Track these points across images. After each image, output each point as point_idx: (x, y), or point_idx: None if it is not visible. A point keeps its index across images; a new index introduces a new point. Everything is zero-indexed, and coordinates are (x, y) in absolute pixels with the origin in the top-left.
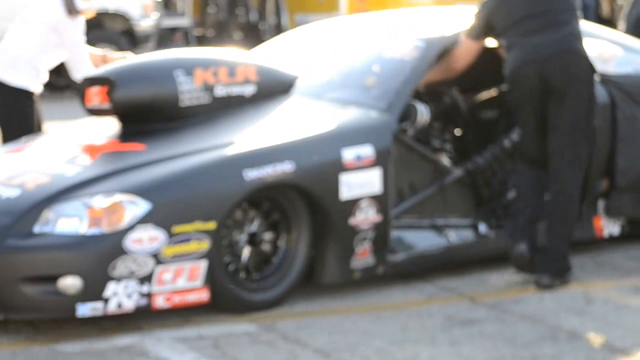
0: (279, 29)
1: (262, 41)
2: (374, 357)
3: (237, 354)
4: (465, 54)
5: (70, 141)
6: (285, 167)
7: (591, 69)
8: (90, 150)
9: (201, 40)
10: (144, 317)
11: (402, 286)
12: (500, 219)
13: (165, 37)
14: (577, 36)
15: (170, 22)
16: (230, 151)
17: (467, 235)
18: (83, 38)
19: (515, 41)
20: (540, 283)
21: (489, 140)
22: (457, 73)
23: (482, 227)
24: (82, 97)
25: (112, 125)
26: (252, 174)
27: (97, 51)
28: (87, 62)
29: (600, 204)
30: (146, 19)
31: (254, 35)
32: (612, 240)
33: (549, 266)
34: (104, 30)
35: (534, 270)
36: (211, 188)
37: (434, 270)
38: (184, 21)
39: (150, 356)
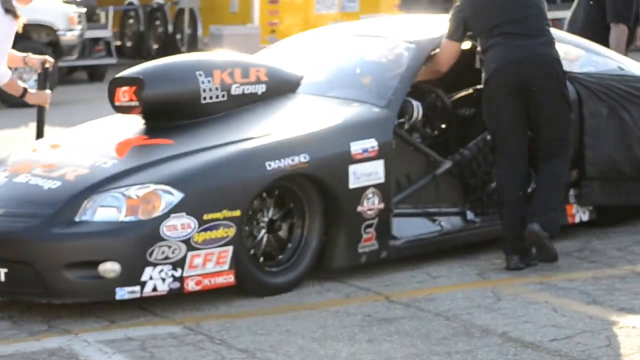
0: (194, 40)
1: (179, 51)
2: (296, 355)
3: (164, 356)
4: (448, 56)
5: (101, 136)
6: (301, 159)
7: (563, 72)
8: (122, 144)
9: (120, 51)
10: (72, 320)
11: (319, 287)
12: (485, 207)
13: (88, 48)
14: (551, 42)
15: (93, 33)
16: (252, 144)
17: (457, 222)
18: (9, 41)
19: (494, 43)
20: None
21: (468, 135)
22: (442, 74)
23: (470, 215)
24: (111, 95)
25: (137, 122)
26: (274, 165)
27: (19, 54)
28: (3, 62)
29: (571, 193)
30: (71, 31)
31: (170, 46)
32: None
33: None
34: (30, 41)
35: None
36: (237, 178)
37: (347, 272)
38: (105, 33)
39: (80, 359)
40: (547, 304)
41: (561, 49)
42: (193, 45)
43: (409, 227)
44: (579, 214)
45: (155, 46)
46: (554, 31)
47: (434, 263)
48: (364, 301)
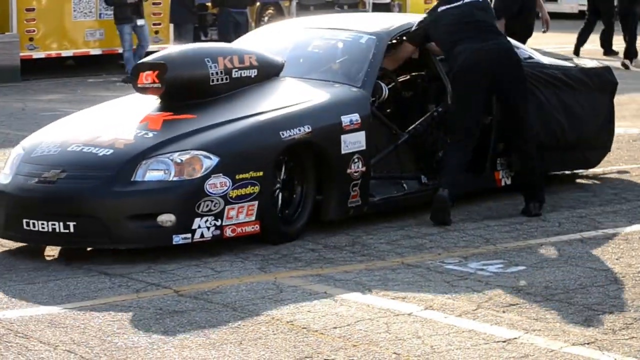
0: None
1: None
2: (97, 347)
3: None
4: (404, 53)
5: (128, 113)
6: (306, 129)
7: (520, 59)
8: (154, 119)
9: None
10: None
11: (110, 284)
12: (435, 171)
13: None
14: (509, 41)
15: None
16: (267, 117)
17: (415, 184)
18: None
19: (461, 49)
20: (531, 211)
21: (408, 113)
22: (396, 66)
23: (424, 178)
24: (135, 78)
25: (153, 101)
26: (286, 134)
27: None
28: None
29: (498, 162)
30: None
31: None
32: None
33: (538, 196)
34: None
35: (446, 219)
36: (258, 145)
37: (135, 269)
38: None
39: None
40: (326, 294)
41: None
42: None
43: (380, 188)
44: (504, 179)
45: None
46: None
47: (218, 259)
48: (155, 296)
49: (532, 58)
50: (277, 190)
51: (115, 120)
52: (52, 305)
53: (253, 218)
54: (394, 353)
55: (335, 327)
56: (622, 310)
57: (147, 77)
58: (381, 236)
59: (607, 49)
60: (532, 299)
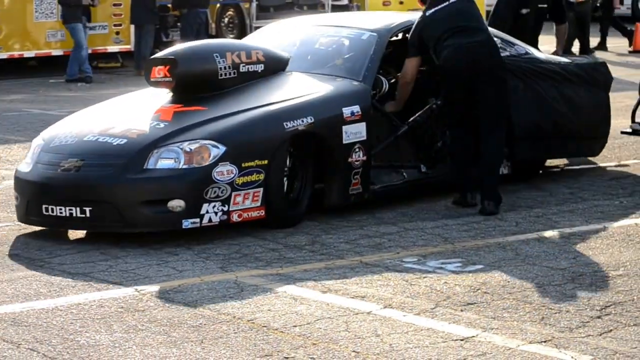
0: None
1: None
2: (59, 345)
3: None
4: (408, 70)
5: (140, 106)
6: (309, 120)
7: (502, 60)
8: (166, 111)
9: None
10: None
11: (73, 283)
12: (433, 161)
13: None
14: (492, 38)
15: None
16: (272, 109)
17: (414, 173)
18: None
19: (447, 44)
20: (487, 210)
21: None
22: (410, 82)
23: (423, 167)
24: (148, 72)
25: (164, 94)
26: (289, 125)
27: None
28: None
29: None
30: None
31: None
32: (251, 232)
33: (494, 195)
34: None
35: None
36: (263, 135)
37: (95, 266)
38: None
39: None
40: (286, 293)
41: None
42: None
43: (381, 176)
44: (501, 169)
45: None
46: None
47: (179, 258)
48: (117, 294)
49: (529, 54)
50: (284, 178)
51: (129, 112)
52: (14, 304)
53: (258, 204)
54: (354, 351)
55: (295, 326)
56: (579, 309)
57: (159, 72)
58: (340, 236)
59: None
60: (490, 298)
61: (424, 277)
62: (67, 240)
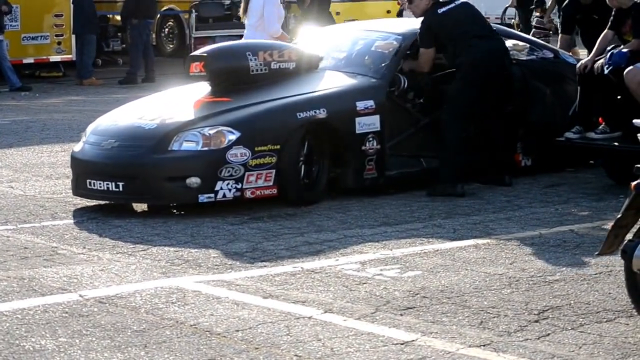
0: None
1: None
2: (5, 350)
3: None
4: (426, 61)
5: (179, 97)
6: (321, 112)
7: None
8: (198, 101)
9: None
10: None
11: (18, 288)
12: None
13: None
14: (504, 42)
15: None
16: (287, 101)
17: (432, 162)
18: None
19: (467, 44)
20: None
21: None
22: (427, 71)
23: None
24: (188, 68)
25: (204, 87)
26: (302, 115)
27: None
28: None
29: (519, 145)
30: None
31: None
32: (193, 240)
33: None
34: None
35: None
36: (277, 123)
37: (38, 271)
38: None
39: None
40: (228, 299)
41: (511, 42)
42: None
43: (399, 164)
44: (524, 161)
45: None
46: (506, 29)
47: (122, 264)
48: (61, 300)
49: (558, 57)
50: (300, 162)
51: (169, 102)
52: None
53: (271, 183)
54: (295, 355)
55: (237, 330)
56: (517, 313)
57: (196, 67)
58: (281, 242)
59: None
60: (429, 303)
61: (364, 283)
62: (11, 245)
